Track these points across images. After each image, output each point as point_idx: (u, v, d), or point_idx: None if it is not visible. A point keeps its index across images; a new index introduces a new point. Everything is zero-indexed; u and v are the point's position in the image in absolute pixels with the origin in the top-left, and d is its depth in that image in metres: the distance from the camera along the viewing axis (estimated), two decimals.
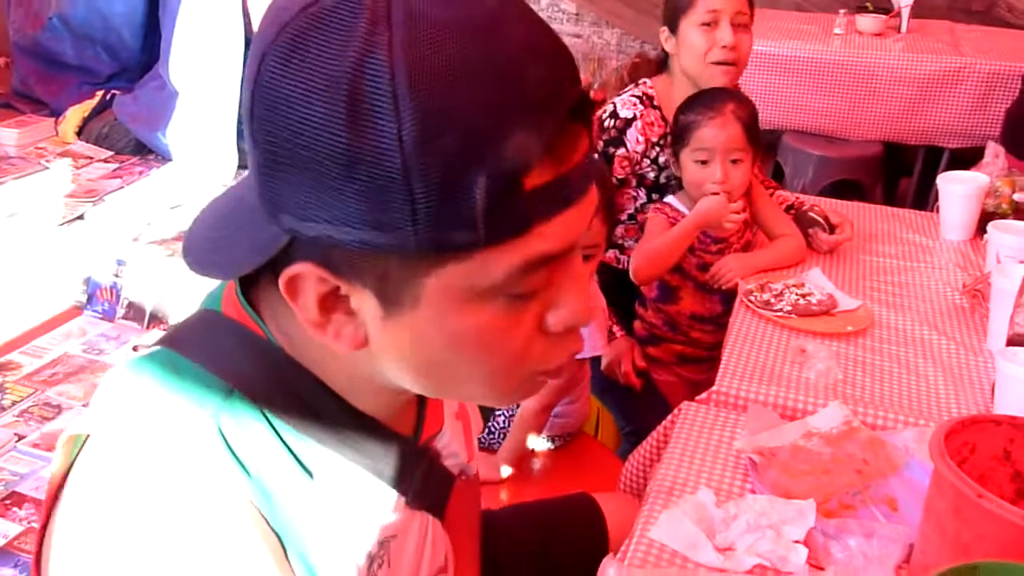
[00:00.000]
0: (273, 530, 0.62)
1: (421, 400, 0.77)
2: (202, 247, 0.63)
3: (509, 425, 1.66)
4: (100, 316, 2.58)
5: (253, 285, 0.66)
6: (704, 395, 1.34)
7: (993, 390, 1.31)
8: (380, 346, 0.60)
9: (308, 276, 0.57)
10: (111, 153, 3.20)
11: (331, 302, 0.58)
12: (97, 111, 3.33)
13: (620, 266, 2.05)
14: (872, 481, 1.14)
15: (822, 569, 0.97)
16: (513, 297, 0.57)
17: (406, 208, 0.51)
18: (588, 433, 1.87)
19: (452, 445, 0.83)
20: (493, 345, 0.59)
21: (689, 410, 1.29)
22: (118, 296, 2.58)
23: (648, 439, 1.37)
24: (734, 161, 1.74)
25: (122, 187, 2.97)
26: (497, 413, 1.70)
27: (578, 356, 1.57)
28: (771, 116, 3.12)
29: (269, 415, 0.63)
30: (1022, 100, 2.63)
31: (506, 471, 1.61)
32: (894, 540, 1.00)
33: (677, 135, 1.80)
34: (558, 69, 0.54)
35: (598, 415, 2.03)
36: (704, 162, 1.75)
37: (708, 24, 1.86)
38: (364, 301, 0.58)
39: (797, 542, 1.00)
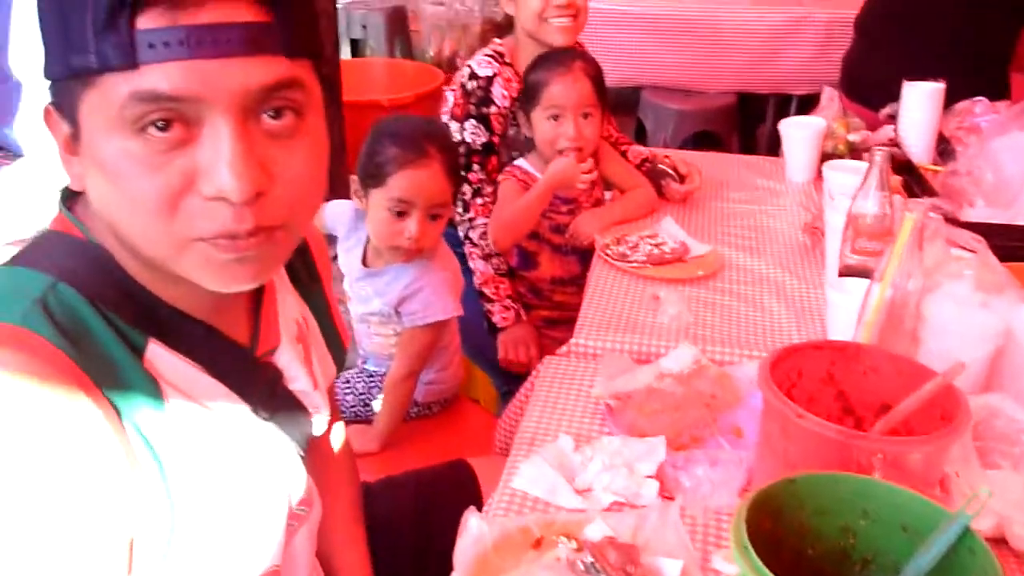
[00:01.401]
0: (107, 400, 0.67)
1: (255, 312, 0.83)
2: None
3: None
4: None
5: (76, 200, 0.75)
6: (564, 349, 1.39)
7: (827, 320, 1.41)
8: (86, 185, 0.69)
9: (50, 115, 0.70)
10: None
11: (71, 146, 0.69)
12: None
13: None
14: (720, 414, 1.21)
15: (673, 499, 1.03)
16: (145, 132, 0.63)
17: (50, 37, 0.65)
18: (468, 396, 1.91)
19: (292, 367, 0.87)
20: (134, 181, 0.65)
21: (550, 364, 1.34)
22: None
23: (515, 397, 1.42)
24: (585, 115, 1.79)
25: None
26: (371, 385, 1.72)
27: (432, 319, 1.60)
28: (629, 73, 3.21)
29: (97, 304, 0.70)
30: (855, 46, 2.78)
31: (383, 433, 1.63)
32: (737, 465, 1.07)
33: (528, 95, 1.83)
34: None
35: (478, 379, 2.07)
36: (556, 117, 1.79)
37: None
38: (74, 139, 0.68)
39: (649, 477, 1.07)
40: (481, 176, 1.95)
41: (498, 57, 1.97)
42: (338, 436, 1.13)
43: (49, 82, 0.68)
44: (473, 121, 1.94)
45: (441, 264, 1.63)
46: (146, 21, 0.61)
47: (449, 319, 1.65)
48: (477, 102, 1.94)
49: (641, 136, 3.34)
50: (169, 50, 0.62)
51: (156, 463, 0.71)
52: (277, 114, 0.67)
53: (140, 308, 0.72)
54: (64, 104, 0.67)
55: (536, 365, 1.39)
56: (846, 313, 1.27)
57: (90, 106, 0.64)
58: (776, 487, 0.81)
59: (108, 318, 0.70)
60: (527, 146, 1.91)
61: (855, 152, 2.08)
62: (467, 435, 1.72)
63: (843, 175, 1.74)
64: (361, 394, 1.72)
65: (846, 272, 1.42)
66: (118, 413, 0.68)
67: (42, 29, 0.66)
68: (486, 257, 1.96)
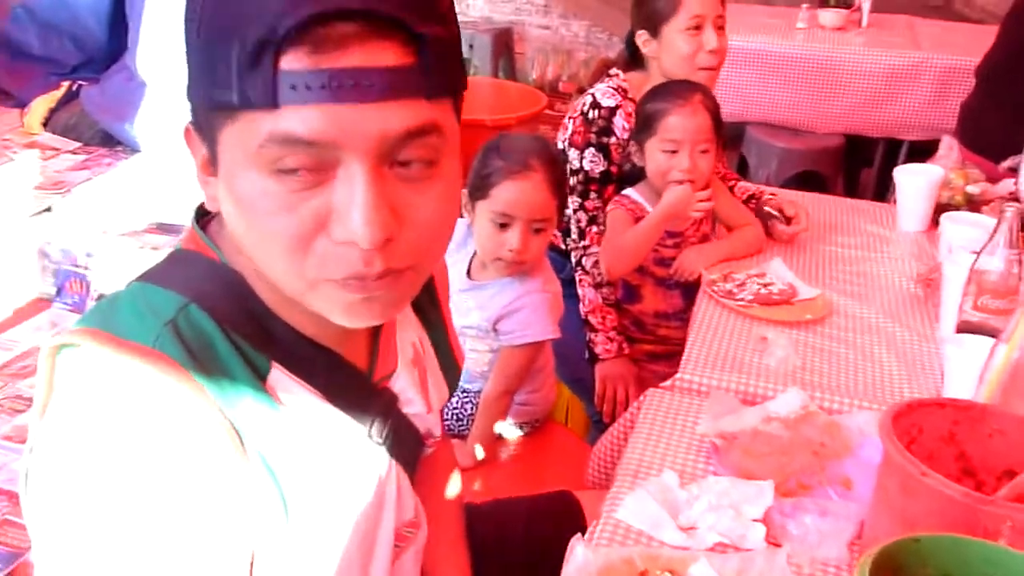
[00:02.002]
0: (230, 423, 0.69)
1: (374, 337, 0.84)
2: None
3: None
4: (70, 308, 2.59)
5: (210, 219, 0.78)
6: (668, 382, 1.38)
7: (943, 375, 1.37)
8: (222, 210, 0.70)
9: (189, 134, 0.71)
10: (78, 144, 3.19)
11: (209, 168, 0.70)
12: (63, 102, 3.30)
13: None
14: (828, 462, 1.19)
15: (779, 546, 1.02)
16: (283, 173, 0.63)
17: (195, 66, 0.66)
18: (557, 420, 1.91)
19: (408, 391, 0.89)
20: (268, 219, 0.65)
21: (654, 396, 1.34)
22: (88, 288, 2.59)
23: (615, 425, 1.42)
24: (701, 151, 1.78)
25: (90, 179, 2.96)
26: (465, 401, 1.74)
27: (528, 339, 1.61)
28: (736, 109, 3.17)
29: (225, 328, 0.72)
30: (976, 94, 2.71)
31: (479, 453, 1.64)
32: (847, 517, 1.05)
33: (643, 124, 1.82)
34: None
35: (568, 403, 2.07)
36: (672, 151, 1.79)
37: (692, 29, 1.91)
38: (212, 163, 0.69)
39: (756, 520, 1.05)
40: (598, 204, 1.96)
41: (622, 92, 1.99)
42: (446, 457, 1.14)
43: (191, 103, 0.69)
44: (593, 149, 1.95)
45: (543, 285, 1.64)
46: (290, 62, 0.60)
47: (545, 340, 1.66)
48: (598, 131, 1.95)
49: (743, 172, 3.31)
50: (310, 93, 0.61)
51: (275, 486, 0.73)
52: (413, 159, 0.66)
53: (266, 333, 0.74)
54: (204, 129, 0.68)
55: (632, 403, 1.38)
56: (965, 371, 1.23)
57: (229, 139, 0.65)
58: (899, 545, 0.80)
59: (235, 342, 0.72)
60: (636, 176, 1.92)
61: (973, 204, 2.02)
62: (558, 457, 1.72)
63: (963, 228, 1.70)
64: (454, 409, 1.74)
65: (965, 328, 1.38)
66: (240, 436, 0.70)
67: (188, 56, 0.67)
68: (596, 286, 1.96)
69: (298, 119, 0.61)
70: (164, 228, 2.66)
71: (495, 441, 1.68)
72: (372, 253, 0.65)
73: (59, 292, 2.60)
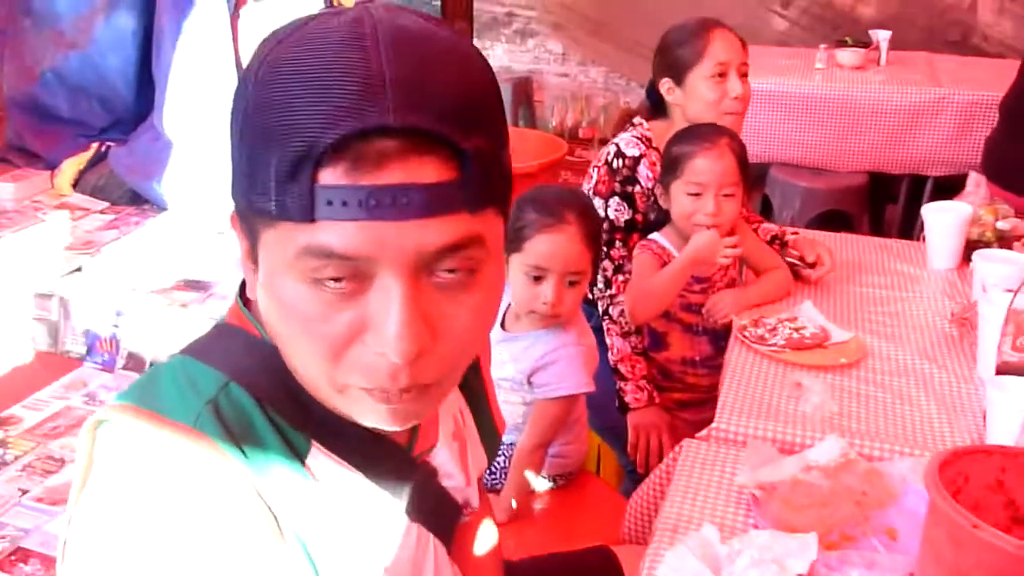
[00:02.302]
0: (267, 504, 0.69)
1: None
2: None
3: (509, 465, 1.68)
4: (100, 367, 2.60)
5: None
6: (704, 432, 1.36)
7: (985, 417, 1.35)
8: (260, 303, 0.70)
9: (235, 221, 0.70)
10: (107, 204, 3.23)
11: (250, 258, 0.69)
12: (92, 163, 3.36)
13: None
14: (871, 512, 1.17)
15: None
16: (318, 283, 0.63)
17: (239, 169, 0.65)
18: (590, 471, 1.89)
19: (448, 465, 0.87)
20: (302, 325, 0.65)
21: (690, 447, 1.32)
22: (118, 347, 2.60)
23: (650, 477, 1.40)
24: (726, 195, 1.78)
25: (119, 238, 3.00)
26: (498, 453, 1.72)
27: (563, 392, 1.59)
28: (758, 150, 3.17)
29: (265, 406, 0.71)
30: (1000, 129, 2.69)
31: (513, 504, 1.62)
32: (894, 570, 1.02)
33: (669, 166, 1.81)
34: (376, 91, 0.59)
35: (599, 452, 2.05)
36: (697, 195, 1.78)
37: (717, 76, 1.92)
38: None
39: (801, 575, 1.03)
40: (623, 253, 1.96)
41: (646, 141, 2.00)
42: (485, 520, 1.10)
43: (233, 198, 0.69)
44: (617, 198, 1.96)
45: (578, 338, 1.63)
46: (328, 176, 0.60)
47: (580, 393, 1.64)
48: (623, 180, 1.96)
49: (767, 213, 3.29)
50: (347, 210, 0.60)
51: (311, 566, 0.72)
52: (451, 271, 0.64)
53: (305, 410, 0.73)
54: (246, 226, 0.68)
55: (667, 452, 1.35)
56: (1010, 414, 1.21)
57: (268, 242, 0.65)
58: None
59: (275, 421, 0.71)
60: (661, 224, 1.91)
61: (1004, 240, 2.00)
62: (592, 509, 1.70)
63: (996, 265, 1.68)
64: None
65: (1005, 370, 1.36)
66: (276, 517, 0.70)
67: (232, 153, 0.67)
68: (624, 335, 1.95)
69: (334, 234, 0.60)
70: (192, 285, 2.68)
71: (529, 494, 1.66)
72: (400, 368, 0.64)
73: (89, 351, 2.62)
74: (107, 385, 2.52)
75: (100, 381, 2.54)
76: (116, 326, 2.61)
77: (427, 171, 0.60)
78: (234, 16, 3.03)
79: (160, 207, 3.20)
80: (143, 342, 2.59)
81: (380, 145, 0.59)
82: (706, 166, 1.75)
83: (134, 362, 2.58)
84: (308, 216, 0.60)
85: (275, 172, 0.60)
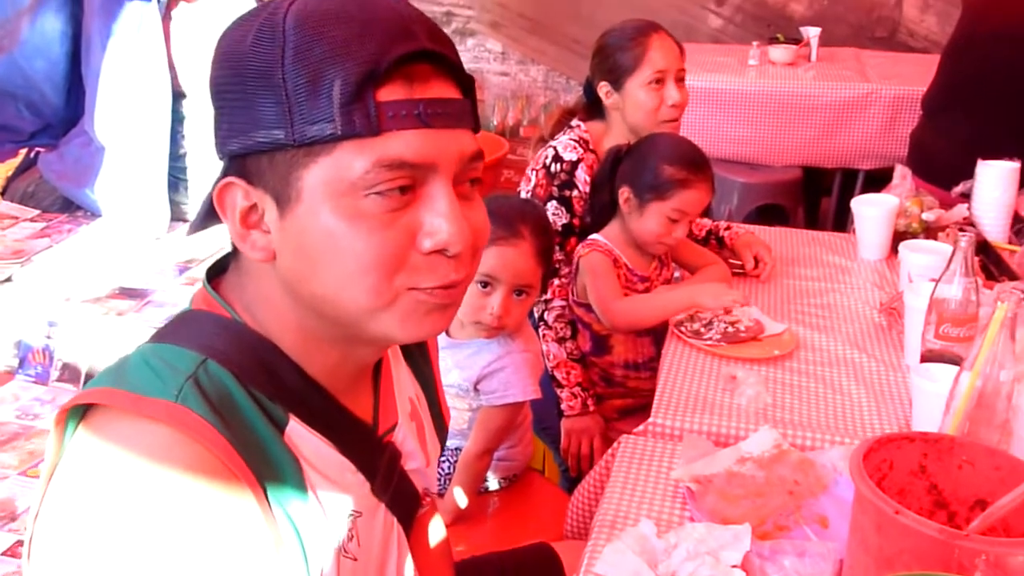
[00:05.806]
0: (255, 475, 0.70)
1: (375, 391, 0.86)
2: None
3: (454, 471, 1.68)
4: (33, 380, 2.53)
5: (219, 279, 0.81)
6: (641, 428, 1.38)
7: (912, 404, 1.39)
8: (281, 253, 0.73)
9: (231, 189, 0.73)
10: (38, 212, 3.14)
11: (250, 219, 0.73)
12: (21, 169, 3.27)
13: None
14: (804, 501, 1.19)
15: None
16: (380, 195, 0.69)
17: (284, 109, 0.68)
18: (536, 470, 1.90)
19: (409, 442, 0.90)
20: (364, 239, 0.70)
21: (627, 443, 1.34)
22: (51, 358, 2.54)
23: (591, 474, 1.41)
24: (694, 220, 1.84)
25: (51, 246, 2.92)
26: (442, 459, 1.72)
27: (510, 400, 1.60)
28: None
29: (243, 382, 0.73)
30: (922, 124, 2.77)
31: (462, 503, 1.62)
32: (825, 557, 1.05)
33: (655, 187, 1.79)
34: (410, 25, 0.71)
35: (544, 451, 2.06)
36: (676, 221, 1.80)
37: (655, 83, 1.94)
38: (269, 210, 0.72)
39: (735, 566, 1.05)
40: (559, 257, 1.96)
41: (583, 143, 2.01)
42: (439, 527, 1.11)
43: (226, 158, 0.73)
44: (555, 203, 1.97)
45: (524, 345, 1.63)
46: (386, 94, 0.68)
47: (526, 400, 1.65)
48: (560, 184, 1.97)
49: (705, 207, 3.35)
50: (407, 120, 0.69)
51: (298, 542, 0.73)
52: (468, 179, 0.75)
53: (282, 384, 0.75)
54: (267, 177, 0.71)
55: (597, 459, 1.36)
56: (933, 401, 1.25)
57: (316, 174, 0.69)
58: None
59: (253, 395, 0.73)
60: (597, 229, 1.92)
61: (929, 231, 2.06)
62: (537, 508, 1.71)
63: (922, 255, 1.73)
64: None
65: (929, 357, 1.40)
66: (264, 491, 0.71)
67: (243, 112, 0.70)
68: (560, 340, 1.95)
69: (400, 143, 0.69)
70: (128, 293, 2.63)
71: (476, 496, 1.66)
72: (454, 261, 0.73)
73: (21, 363, 2.55)
74: (40, 398, 2.46)
75: (33, 394, 2.47)
76: (49, 337, 2.55)
77: (451, 90, 0.73)
78: (165, 18, 2.97)
79: (94, 214, 3.13)
80: (78, 352, 2.53)
81: (422, 67, 0.70)
82: (695, 199, 1.79)
83: (69, 373, 2.52)
84: (375, 130, 0.68)
85: (339, 96, 0.67)
